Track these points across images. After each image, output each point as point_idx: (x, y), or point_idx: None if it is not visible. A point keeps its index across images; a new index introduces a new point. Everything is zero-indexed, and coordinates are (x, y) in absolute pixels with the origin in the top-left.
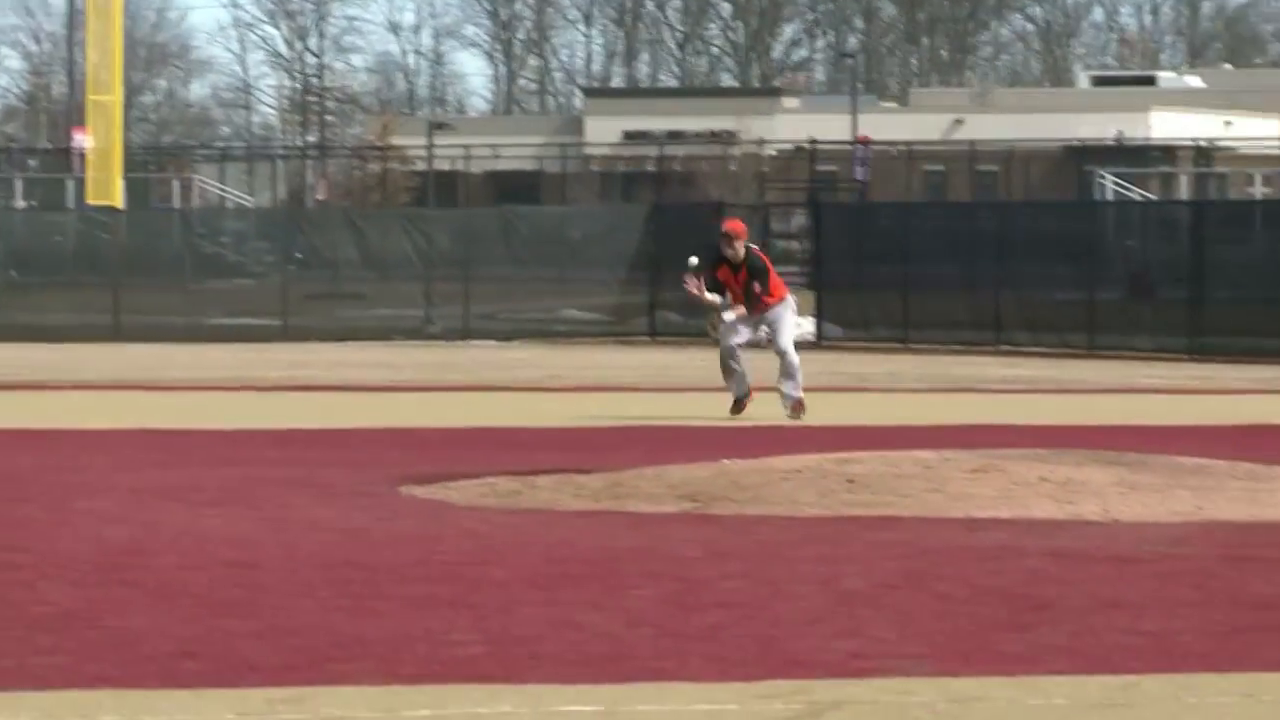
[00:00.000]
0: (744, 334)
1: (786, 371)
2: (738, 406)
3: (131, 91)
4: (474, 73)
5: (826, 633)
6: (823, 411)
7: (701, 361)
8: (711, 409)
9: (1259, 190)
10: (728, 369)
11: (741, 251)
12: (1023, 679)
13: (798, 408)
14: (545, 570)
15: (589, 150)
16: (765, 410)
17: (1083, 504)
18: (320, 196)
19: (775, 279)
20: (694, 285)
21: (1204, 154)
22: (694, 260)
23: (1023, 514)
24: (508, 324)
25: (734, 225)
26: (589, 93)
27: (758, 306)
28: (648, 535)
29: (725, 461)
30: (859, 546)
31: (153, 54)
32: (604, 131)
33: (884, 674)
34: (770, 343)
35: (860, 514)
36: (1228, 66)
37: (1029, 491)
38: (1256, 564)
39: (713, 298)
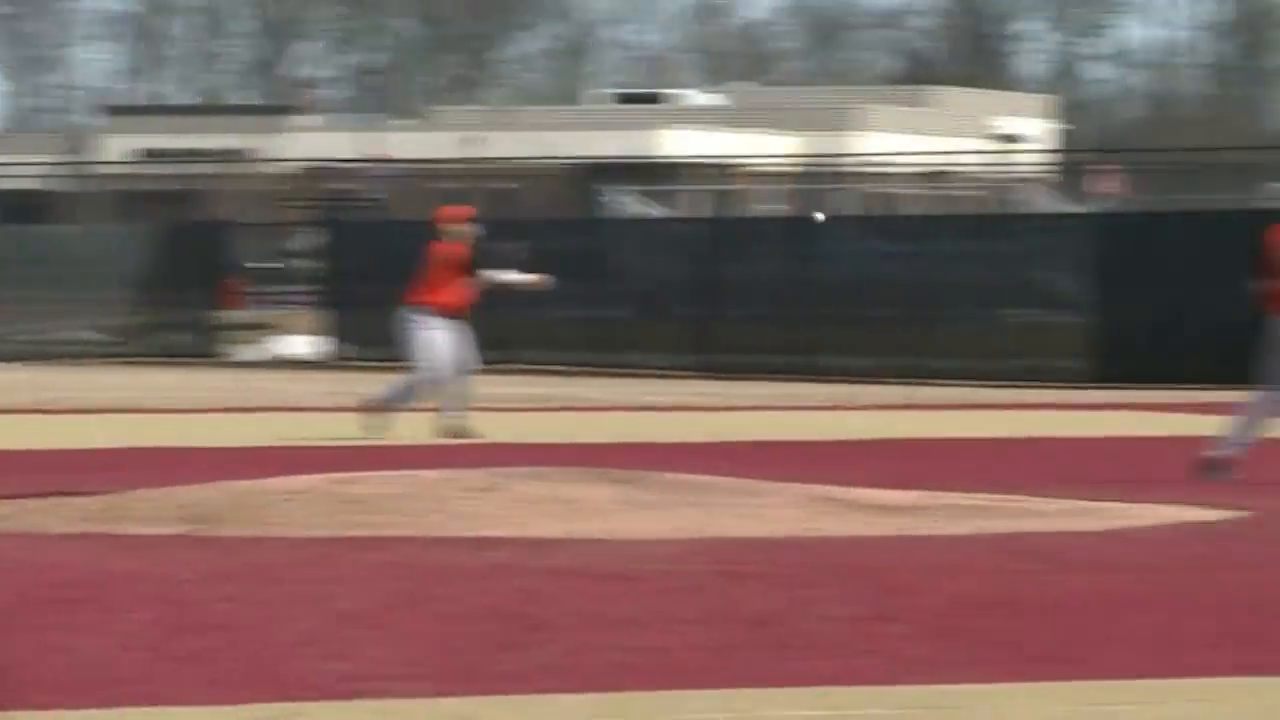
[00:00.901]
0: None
1: (460, 390)
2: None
3: None
4: None
5: (320, 654)
6: (331, 430)
7: (213, 383)
8: (222, 430)
9: (772, 207)
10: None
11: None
12: (516, 698)
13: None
14: (35, 595)
15: (102, 169)
16: (271, 430)
17: (585, 522)
18: None
19: None
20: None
21: (718, 171)
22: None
23: (525, 532)
24: (10, 345)
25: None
26: (103, 110)
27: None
28: (142, 558)
29: (231, 482)
30: (357, 567)
31: None
32: (117, 149)
33: (377, 695)
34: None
35: (360, 534)
36: (743, 84)
37: (531, 510)
38: (753, 580)
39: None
